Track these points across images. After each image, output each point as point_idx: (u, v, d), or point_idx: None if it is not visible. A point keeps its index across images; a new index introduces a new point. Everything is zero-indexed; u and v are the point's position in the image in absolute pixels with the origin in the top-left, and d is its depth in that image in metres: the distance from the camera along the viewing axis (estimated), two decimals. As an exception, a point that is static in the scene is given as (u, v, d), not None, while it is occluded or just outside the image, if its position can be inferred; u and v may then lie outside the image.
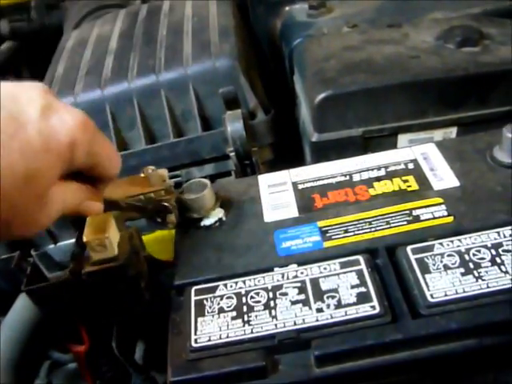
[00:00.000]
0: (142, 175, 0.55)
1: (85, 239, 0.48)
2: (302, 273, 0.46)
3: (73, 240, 0.64)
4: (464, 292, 0.42)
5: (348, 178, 0.56)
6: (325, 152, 0.66)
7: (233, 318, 0.44)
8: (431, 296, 0.42)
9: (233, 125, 0.65)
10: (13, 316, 0.69)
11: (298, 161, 0.75)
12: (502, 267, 0.43)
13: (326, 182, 0.56)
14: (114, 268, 0.49)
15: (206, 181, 0.54)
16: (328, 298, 0.44)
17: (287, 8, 0.92)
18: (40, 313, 0.67)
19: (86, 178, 0.48)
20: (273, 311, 0.43)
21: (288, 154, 0.76)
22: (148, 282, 0.55)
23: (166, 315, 0.52)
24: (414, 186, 0.53)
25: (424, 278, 0.43)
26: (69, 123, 0.43)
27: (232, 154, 0.65)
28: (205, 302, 0.46)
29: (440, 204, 0.51)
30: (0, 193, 0.39)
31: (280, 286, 0.45)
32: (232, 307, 0.45)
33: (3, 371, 0.63)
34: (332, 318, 0.42)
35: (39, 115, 0.42)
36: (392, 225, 0.49)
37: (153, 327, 0.69)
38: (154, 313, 0.61)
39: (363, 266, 0.46)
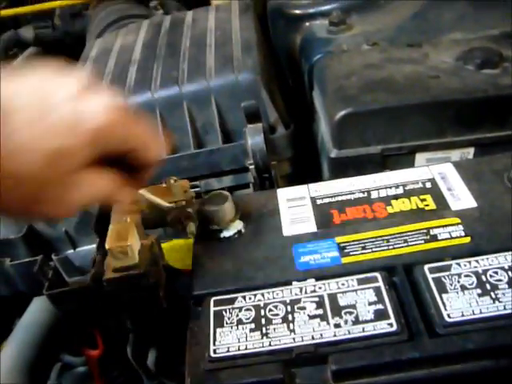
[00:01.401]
0: (164, 185, 0.56)
1: (107, 246, 0.49)
2: (320, 288, 0.47)
3: (91, 246, 0.65)
4: (481, 313, 0.43)
5: (366, 194, 0.57)
6: (343, 168, 0.67)
7: (251, 330, 0.44)
8: (448, 316, 0.43)
9: (253, 138, 0.66)
10: (28, 318, 0.70)
11: (315, 176, 0.76)
12: (519, 289, 0.44)
13: (344, 198, 0.57)
14: (135, 276, 0.49)
15: (227, 193, 0.55)
16: (346, 313, 0.44)
17: (307, 24, 0.93)
18: (55, 316, 0.68)
19: (126, 166, 0.47)
20: (291, 325, 0.44)
21: (305, 169, 0.76)
22: (165, 290, 0.56)
23: (180, 324, 0.53)
24: (432, 206, 0.54)
25: (441, 298, 0.44)
26: (98, 107, 0.43)
27: (251, 166, 0.66)
28: (223, 313, 0.46)
29: (457, 224, 0.51)
30: (30, 169, 0.40)
31: (298, 300, 0.46)
32: (250, 319, 0.45)
33: (18, 372, 0.64)
34: (350, 333, 0.43)
35: (70, 98, 0.42)
36: (409, 243, 0.50)
37: (167, 335, 0.70)
38: (169, 321, 0.61)
39: (381, 284, 0.46)
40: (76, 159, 0.42)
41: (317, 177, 0.75)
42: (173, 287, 0.59)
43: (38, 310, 0.70)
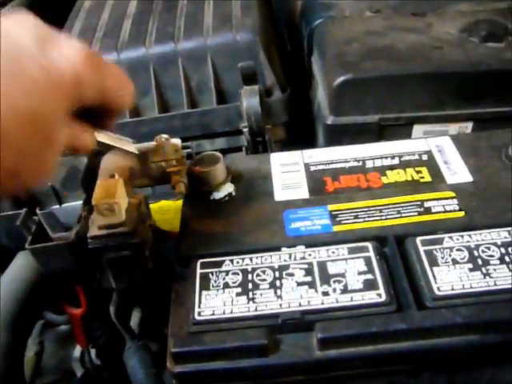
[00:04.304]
0: (155, 143, 0.54)
1: (93, 202, 0.47)
2: (309, 255, 0.46)
3: (78, 202, 0.64)
4: (471, 287, 0.42)
5: (361, 163, 0.56)
6: (339, 136, 0.66)
7: (238, 294, 0.44)
8: (438, 289, 0.42)
9: (249, 100, 0.64)
10: (11, 273, 0.69)
11: (309, 143, 0.74)
12: (511, 266, 0.43)
13: (338, 166, 0.56)
14: (120, 234, 0.48)
15: (219, 154, 0.54)
16: (334, 282, 0.43)
17: (309, -13, 0.91)
18: (39, 272, 0.67)
19: (93, 113, 0.43)
20: (278, 291, 0.43)
21: (299, 136, 0.75)
22: (152, 251, 0.55)
23: (165, 286, 0.52)
24: (427, 178, 0.53)
25: (432, 271, 0.43)
26: (71, 56, 0.38)
27: (245, 129, 0.65)
28: (210, 275, 0.45)
29: (452, 198, 0.50)
30: (4, 137, 0.34)
31: (287, 266, 0.45)
32: (237, 283, 0.44)
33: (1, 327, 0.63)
34: (337, 302, 0.42)
35: (37, 49, 0.37)
36: (403, 214, 0.49)
37: (151, 297, 0.69)
38: (153, 282, 0.61)
39: (371, 253, 0.45)
40: (53, 119, 0.38)
41: (311, 144, 0.74)
42: (159, 249, 0.58)
43: (21, 265, 0.69)
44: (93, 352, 0.76)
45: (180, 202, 0.60)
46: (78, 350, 0.82)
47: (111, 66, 0.43)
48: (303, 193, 0.53)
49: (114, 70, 0.43)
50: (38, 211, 0.58)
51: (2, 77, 0.34)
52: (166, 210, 0.69)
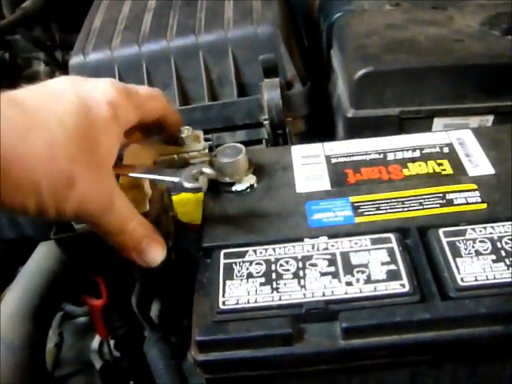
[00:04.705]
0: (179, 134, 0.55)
1: (118, 193, 0.48)
2: (332, 245, 0.46)
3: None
4: (495, 279, 0.42)
5: (382, 156, 0.56)
6: (359, 129, 0.66)
7: (261, 284, 0.44)
8: (461, 279, 0.42)
9: (270, 93, 0.64)
10: (33, 264, 0.70)
11: (327, 136, 0.75)
12: (534, 257, 0.43)
13: (359, 158, 0.56)
14: (145, 224, 0.49)
15: (241, 146, 0.54)
16: (358, 272, 0.44)
17: (328, -18, 0.90)
18: (60, 263, 0.68)
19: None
20: (302, 281, 0.44)
21: (319, 129, 0.75)
22: (174, 242, 0.55)
23: (185, 279, 0.53)
24: (449, 170, 0.53)
25: (455, 262, 0.43)
26: (100, 85, 0.43)
27: (266, 122, 0.65)
28: (234, 265, 0.46)
29: (474, 190, 0.50)
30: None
31: (310, 257, 0.45)
32: (261, 273, 0.45)
33: (20, 318, 0.64)
34: (361, 292, 0.42)
35: (70, 85, 0.42)
36: (425, 206, 0.49)
37: (172, 288, 0.70)
38: (174, 274, 0.61)
39: (394, 244, 0.46)
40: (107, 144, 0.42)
41: (330, 137, 0.74)
42: (180, 240, 0.59)
43: (42, 256, 0.70)
44: (111, 344, 0.77)
45: (200, 195, 0.60)
46: (96, 342, 0.83)
47: (136, 87, 0.48)
48: (325, 185, 0.53)
49: (140, 89, 0.48)
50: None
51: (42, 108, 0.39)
52: (186, 203, 0.70)
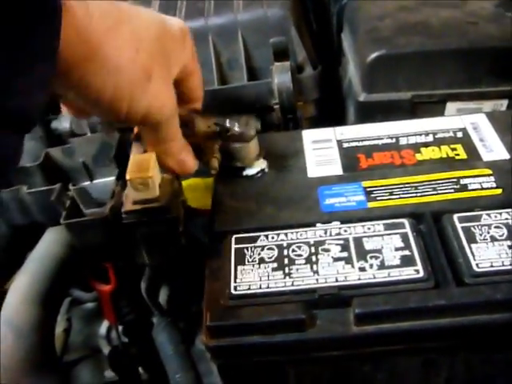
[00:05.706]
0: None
1: (128, 177, 0.47)
2: (345, 231, 0.46)
3: (109, 178, 0.64)
4: (511, 265, 0.41)
5: (394, 140, 0.55)
6: (371, 113, 0.65)
7: (273, 270, 0.43)
8: (477, 265, 0.41)
9: (280, 76, 0.63)
10: (41, 250, 0.69)
11: (337, 120, 0.74)
12: (551, 243, 0.42)
13: (371, 142, 0.55)
14: (155, 209, 0.48)
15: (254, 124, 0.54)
16: (371, 257, 0.43)
17: (338, -36, 0.89)
18: (68, 248, 0.67)
19: None
20: (314, 266, 0.43)
21: (329, 113, 0.74)
22: (184, 227, 0.55)
23: (193, 263, 0.52)
24: (463, 155, 0.52)
25: (470, 247, 0.43)
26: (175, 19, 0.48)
27: (276, 106, 0.64)
28: (245, 251, 0.45)
29: (489, 175, 0.50)
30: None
31: (322, 242, 0.45)
32: (273, 258, 0.44)
33: (30, 304, 0.64)
34: (374, 278, 0.42)
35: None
36: (439, 191, 0.49)
37: (180, 274, 0.70)
38: (184, 259, 0.61)
39: (408, 230, 0.45)
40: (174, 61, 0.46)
41: (340, 121, 0.73)
42: (190, 225, 0.58)
43: (51, 241, 0.69)
44: (120, 329, 0.77)
45: (209, 180, 0.59)
46: (103, 328, 0.82)
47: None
48: (337, 169, 0.52)
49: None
50: (71, 187, 0.58)
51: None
52: (195, 188, 0.69)
